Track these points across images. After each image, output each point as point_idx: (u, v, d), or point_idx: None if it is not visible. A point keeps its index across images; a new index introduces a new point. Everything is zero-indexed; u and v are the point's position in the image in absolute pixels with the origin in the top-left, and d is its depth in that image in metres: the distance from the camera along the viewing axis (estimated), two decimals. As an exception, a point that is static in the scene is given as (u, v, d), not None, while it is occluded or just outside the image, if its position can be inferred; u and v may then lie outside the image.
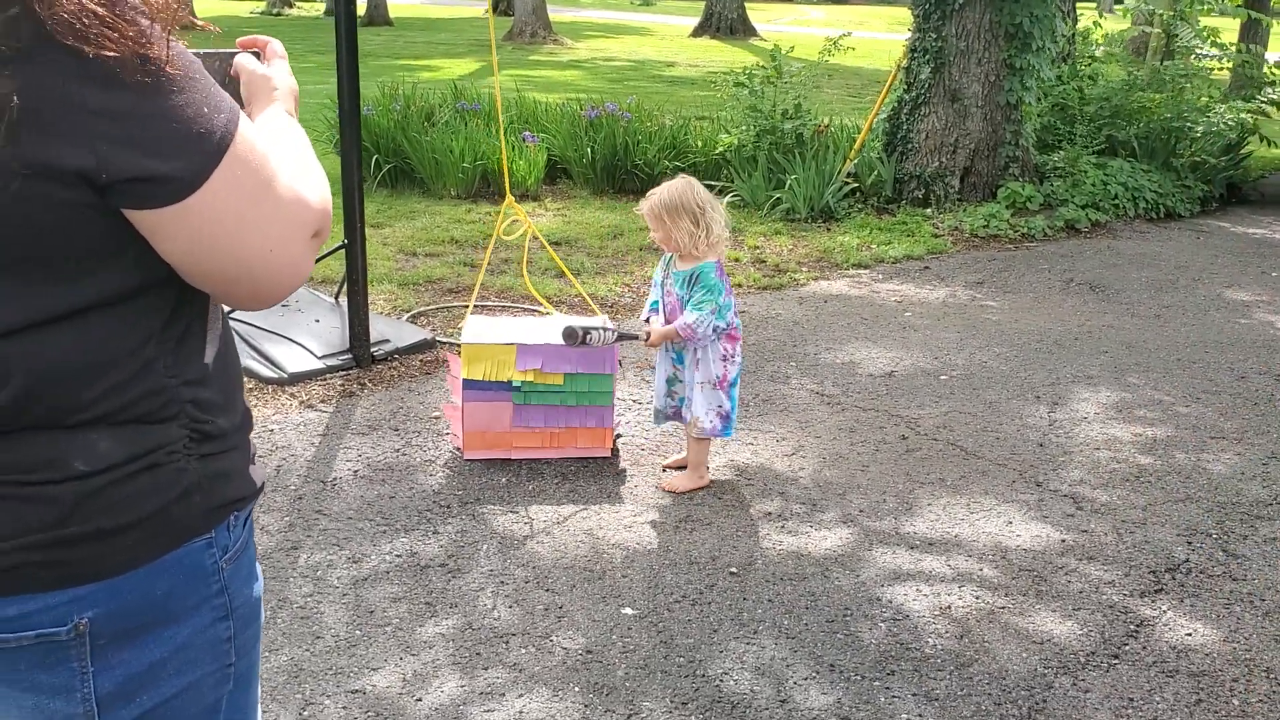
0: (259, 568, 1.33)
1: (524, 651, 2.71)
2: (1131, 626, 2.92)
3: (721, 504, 3.48)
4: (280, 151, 1.18)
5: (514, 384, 3.52)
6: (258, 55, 1.38)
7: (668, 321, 3.42)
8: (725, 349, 3.44)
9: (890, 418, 4.18)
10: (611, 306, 5.50)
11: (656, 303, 3.52)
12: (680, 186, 3.30)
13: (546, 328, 3.74)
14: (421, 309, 5.27)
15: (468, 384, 3.54)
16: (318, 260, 4.88)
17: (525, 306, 5.19)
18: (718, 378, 3.45)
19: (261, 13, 26.95)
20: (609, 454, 3.69)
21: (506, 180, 4.49)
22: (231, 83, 1.34)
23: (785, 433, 4.02)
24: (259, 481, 1.29)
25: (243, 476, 1.25)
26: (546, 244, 4.46)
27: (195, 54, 1.40)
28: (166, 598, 1.16)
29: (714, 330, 3.37)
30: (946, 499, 3.54)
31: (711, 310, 3.32)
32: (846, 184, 7.67)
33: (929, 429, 4.08)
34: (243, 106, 1.32)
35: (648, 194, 3.36)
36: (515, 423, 3.57)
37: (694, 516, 3.39)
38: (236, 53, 1.38)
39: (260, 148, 1.11)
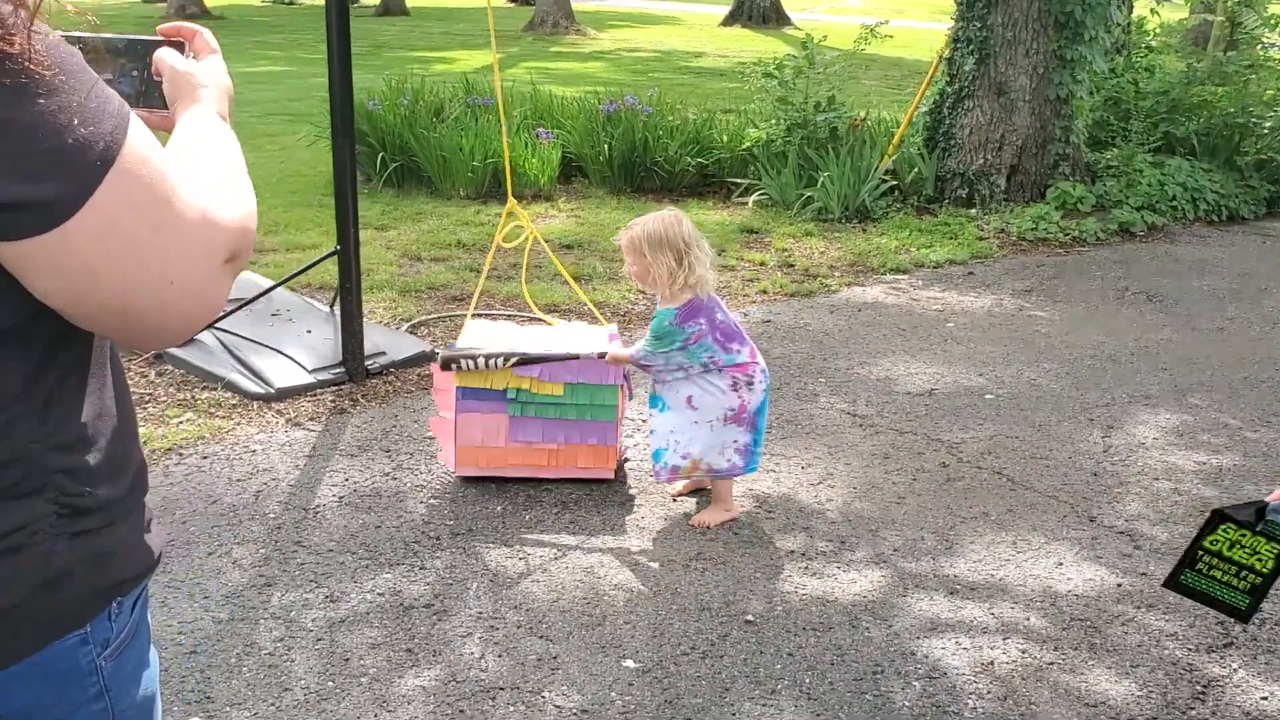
0: (154, 653, 1.16)
1: (512, 709, 2.55)
2: (1198, 687, 2.73)
3: (738, 540, 3.36)
4: (188, 161, 1.05)
5: (508, 394, 3.48)
6: (182, 48, 1.23)
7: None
8: (734, 377, 3.30)
9: (929, 442, 4.09)
10: (624, 316, 5.41)
11: None
12: (668, 219, 3.24)
13: (550, 337, 3.73)
14: (422, 318, 5.23)
15: (463, 393, 3.51)
16: (310, 267, 5.00)
17: (530, 316, 5.12)
18: (731, 410, 3.30)
19: (274, 2, 27.13)
20: (613, 476, 3.62)
21: (509, 182, 4.34)
22: (152, 82, 1.20)
23: (812, 458, 3.93)
24: (156, 551, 1.12)
25: (131, 553, 1.08)
26: (549, 249, 4.34)
27: (103, 40, 1.23)
28: (27, 712, 0.99)
29: (680, 368, 3.28)
30: (991, 536, 3.44)
31: (661, 353, 3.26)
32: (884, 182, 7.60)
33: (972, 455, 3.99)
34: (166, 108, 1.18)
35: (629, 224, 3.29)
36: (512, 437, 3.53)
37: (706, 554, 3.27)
38: (156, 43, 1.22)
39: (156, 159, 0.97)
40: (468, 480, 3.64)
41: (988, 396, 4.54)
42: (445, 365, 3.48)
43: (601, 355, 3.45)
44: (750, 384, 3.32)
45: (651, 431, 3.42)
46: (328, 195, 6.56)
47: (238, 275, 1.09)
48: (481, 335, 3.70)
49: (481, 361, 3.46)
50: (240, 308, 4.57)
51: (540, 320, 5.03)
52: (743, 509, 3.53)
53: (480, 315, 5.17)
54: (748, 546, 3.32)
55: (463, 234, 6.78)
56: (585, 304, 5.13)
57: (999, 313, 5.69)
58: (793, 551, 3.30)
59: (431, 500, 3.52)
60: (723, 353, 3.28)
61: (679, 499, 3.58)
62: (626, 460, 3.81)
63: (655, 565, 3.20)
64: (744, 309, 5.62)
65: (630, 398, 3.78)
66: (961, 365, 4.89)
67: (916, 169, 7.73)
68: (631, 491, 3.63)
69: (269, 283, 5.00)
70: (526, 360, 3.48)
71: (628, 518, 3.46)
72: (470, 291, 5.53)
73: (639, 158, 8.02)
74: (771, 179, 7.71)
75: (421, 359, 4.64)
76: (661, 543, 3.32)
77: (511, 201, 4.15)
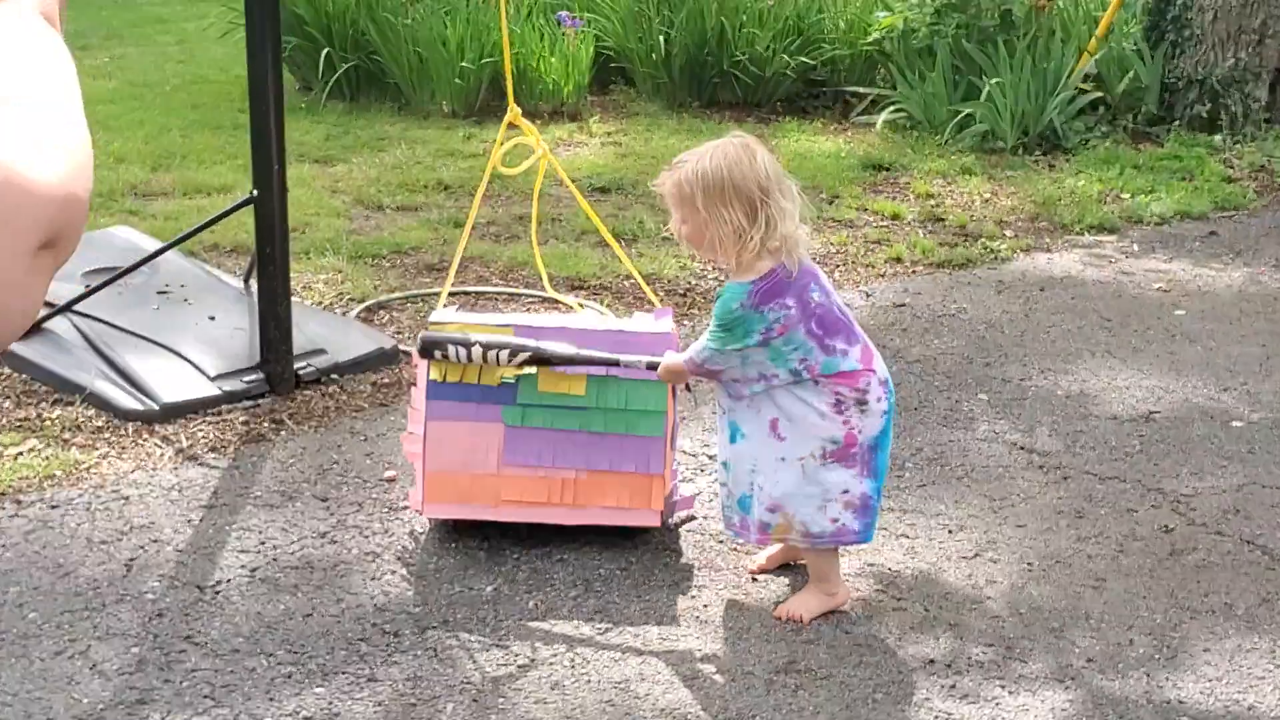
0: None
1: None
2: None
3: (849, 641, 3.36)
4: None
5: (505, 383, 3.59)
6: None
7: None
8: (838, 393, 3.28)
9: (1144, 493, 4.08)
10: (684, 295, 5.42)
11: None
12: (733, 151, 3.24)
13: (577, 329, 3.75)
14: (382, 299, 5.23)
15: (434, 389, 3.59)
16: (214, 221, 5.04)
17: (542, 295, 5.14)
18: (832, 443, 3.29)
19: None
20: (659, 523, 3.64)
21: (510, 86, 4.32)
22: None
23: (964, 518, 3.91)
24: None
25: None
26: (571, 184, 4.36)
27: None
28: None
29: (757, 373, 3.30)
30: (1236, 640, 3.40)
31: (735, 351, 3.29)
32: (1082, 93, 7.55)
33: (1209, 515, 3.96)
34: None
35: (675, 161, 3.31)
36: (507, 458, 3.59)
37: (801, 663, 3.27)
38: None
39: None
40: (445, 542, 3.65)
41: (1235, 424, 4.52)
42: (425, 352, 3.56)
43: (653, 366, 3.47)
44: (863, 404, 3.30)
45: (724, 465, 3.43)
46: (246, 112, 6.58)
47: (60, 266, 1.10)
48: (471, 312, 3.86)
49: (477, 352, 3.52)
50: (110, 281, 4.59)
51: (556, 303, 5.05)
52: (856, 594, 3.50)
53: (461, 294, 5.20)
54: (864, 653, 3.30)
55: (446, 170, 6.80)
56: (631, 274, 5.11)
57: (1255, 294, 5.65)
58: (933, 661, 3.28)
59: (389, 574, 3.51)
60: (820, 353, 3.27)
61: (760, 577, 3.56)
62: (680, 513, 3.81)
63: (722, 680, 3.18)
64: (865, 286, 5.60)
65: (685, 394, 3.79)
66: (1196, 375, 4.87)
67: (1131, 74, 7.67)
68: (688, 561, 3.62)
69: (156, 243, 5.03)
70: (542, 359, 3.52)
71: (682, 602, 3.45)
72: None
73: (711, 56, 8.00)
74: (911, 88, 7.68)
75: (379, 359, 4.61)
76: (734, 645, 3.31)
77: (514, 109, 4.15)
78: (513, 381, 3.58)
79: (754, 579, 3.56)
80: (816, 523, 3.33)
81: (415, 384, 3.75)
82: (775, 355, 3.26)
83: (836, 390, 3.29)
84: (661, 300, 5.05)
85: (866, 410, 3.31)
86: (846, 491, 3.32)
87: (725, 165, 3.21)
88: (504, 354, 3.51)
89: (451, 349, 3.54)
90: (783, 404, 3.31)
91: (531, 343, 3.54)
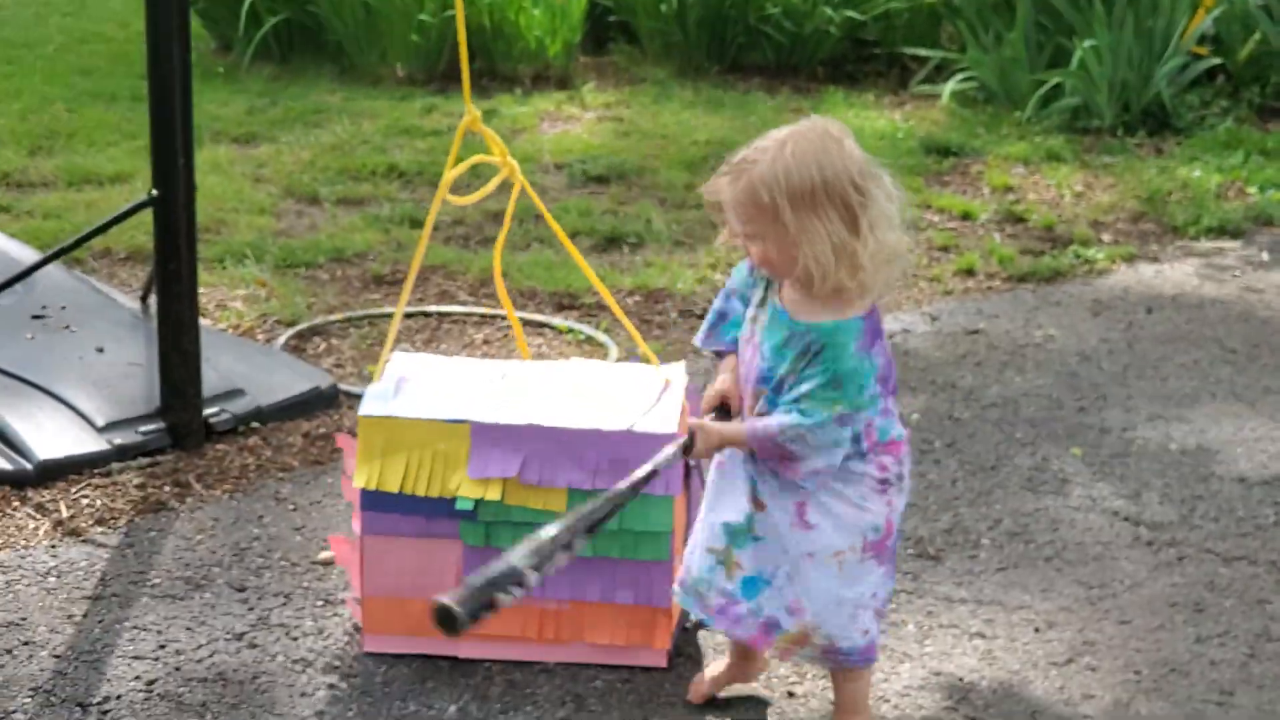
0: None
1: None
2: None
3: None
4: None
5: (467, 507, 3.56)
6: None
7: (743, 401, 3.35)
8: (884, 466, 3.26)
9: None
10: (701, 316, 5.32)
11: (734, 335, 3.39)
12: (817, 143, 3.15)
13: (554, 380, 3.77)
14: (317, 322, 5.25)
15: (369, 500, 3.59)
16: (109, 225, 5.00)
17: (521, 318, 5.10)
18: (875, 532, 3.28)
19: None
20: (666, 664, 3.65)
21: (465, 67, 4.20)
22: None
23: (1054, 610, 3.89)
24: None
25: None
26: (545, 211, 4.30)
27: None
28: None
29: (843, 454, 3.21)
30: None
31: (839, 417, 3.18)
32: (1197, 58, 7.62)
33: None
34: None
35: (738, 154, 3.20)
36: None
37: None
38: None
39: None
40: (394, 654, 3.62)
41: (1404, 488, 4.51)
42: (472, 617, 2.97)
43: (688, 449, 3.26)
44: (901, 479, 3.28)
45: (724, 528, 3.37)
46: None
47: None
48: (419, 383, 3.72)
49: (534, 580, 3.02)
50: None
51: (543, 329, 5.00)
52: (921, 713, 3.48)
53: (420, 315, 5.22)
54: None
55: (400, 152, 6.83)
56: (633, 291, 5.08)
57: None
58: (1019, 805, 3.27)
59: (324, 689, 3.47)
60: (880, 415, 3.24)
61: (801, 692, 3.54)
62: (690, 626, 3.80)
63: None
64: (929, 307, 5.61)
65: (694, 500, 3.72)
66: None
67: (1257, 35, 7.72)
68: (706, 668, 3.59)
69: (31, 253, 5.01)
70: (596, 524, 3.16)
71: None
72: (409, 266, 5.48)
73: (735, 8, 8.04)
74: (985, 51, 7.74)
75: (313, 403, 4.64)
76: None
77: (472, 112, 4.05)
78: (470, 503, 3.55)
79: (790, 695, 3.54)
80: (847, 637, 3.29)
81: (345, 465, 3.73)
82: (857, 420, 3.22)
83: (883, 463, 3.27)
84: (675, 322, 5.02)
85: (903, 486, 3.30)
86: (876, 595, 3.31)
87: (814, 160, 3.14)
88: (562, 558, 3.13)
89: (502, 598, 3.01)
90: (823, 492, 3.28)
91: (574, 519, 3.17)
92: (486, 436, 3.55)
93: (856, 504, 3.25)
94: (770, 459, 3.23)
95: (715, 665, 3.58)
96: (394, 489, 3.54)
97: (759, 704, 3.53)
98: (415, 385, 3.70)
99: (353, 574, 3.68)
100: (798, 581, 3.30)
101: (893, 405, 3.29)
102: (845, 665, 3.33)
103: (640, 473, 3.31)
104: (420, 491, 3.55)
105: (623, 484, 3.29)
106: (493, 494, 3.53)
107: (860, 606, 3.28)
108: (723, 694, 3.54)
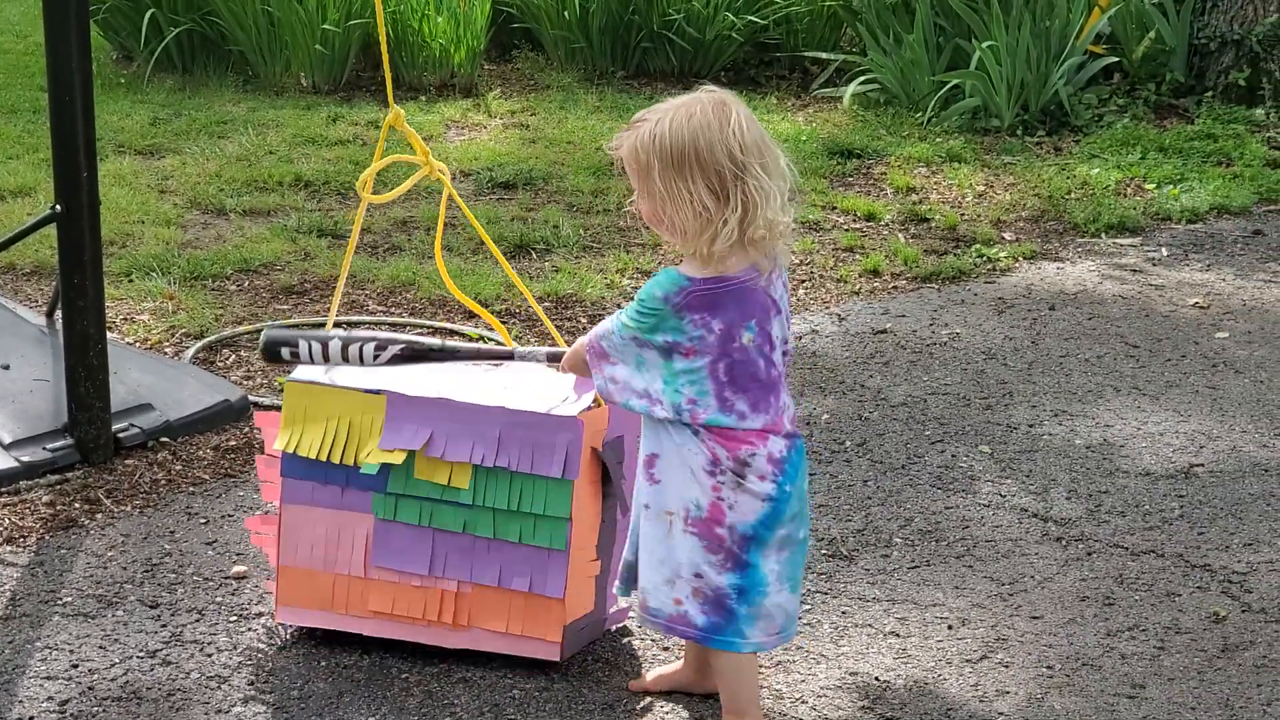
0: None
1: None
2: None
3: None
4: None
5: (371, 472, 3.59)
6: None
7: None
8: (715, 453, 3.29)
9: (1188, 571, 4.10)
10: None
11: None
12: (707, 109, 3.22)
13: (472, 378, 3.75)
14: (225, 334, 5.23)
15: (290, 465, 3.64)
16: (10, 242, 4.96)
17: (432, 325, 5.18)
18: (695, 509, 3.31)
19: None
20: (558, 658, 3.62)
21: (387, 63, 4.22)
22: None
23: (966, 608, 3.91)
24: None
25: None
26: (465, 208, 4.30)
27: None
28: None
29: (642, 388, 3.33)
30: None
31: (633, 338, 3.32)
32: (1094, 58, 7.67)
33: (1269, 598, 3.98)
34: None
35: (636, 117, 3.28)
36: (376, 558, 3.65)
37: None
38: None
39: None
40: (312, 659, 3.61)
41: (1300, 479, 4.48)
42: (269, 352, 3.63)
43: (555, 358, 3.57)
44: (740, 477, 3.28)
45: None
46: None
47: None
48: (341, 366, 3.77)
49: (335, 348, 3.58)
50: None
51: (451, 334, 5.00)
52: (838, 713, 3.47)
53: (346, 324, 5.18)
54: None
55: (306, 162, 6.77)
56: (544, 295, 5.09)
57: (1317, 310, 5.71)
58: (936, 802, 3.20)
59: (240, 705, 3.45)
60: (714, 402, 3.27)
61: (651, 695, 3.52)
62: (614, 626, 3.79)
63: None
64: (837, 307, 5.62)
65: (624, 511, 3.73)
66: (1246, 416, 4.93)
67: (1152, 33, 7.74)
68: (627, 674, 3.61)
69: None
70: (418, 353, 3.54)
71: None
72: (319, 278, 5.47)
73: (638, 14, 8.05)
74: (885, 54, 7.75)
75: (223, 416, 4.63)
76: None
77: (395, 110, 4.05)
78: (375, 468, 3.60)
79: (711, 700, 3.50)
80: (656, 595, 3.34)
81: (266, 442, 3.73)
82: (668, 377, 3.27)
83: (714, 449, 3.29)
84: (585, 327, 5.00)
85: (743, 486, 3.29)
86: (699, 576, 3.31)
87: (690, 127, 3.20)
88: (369, 348, 3.54)
89: (304, 345, 3.56)
90: (664, 442, 3.32)
91: (404, 336, 3.59)
92: (401, 408, 3.59)
93: (686, 476, 3.32)
94: (594, 361, 3.38)
95: (668, 665, 3.60)
96: (311, 454, 3.58)
97: (684, 707, 3.51)
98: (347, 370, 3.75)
99: (269, 548, 3.69)
100: (639, 531, 3.42)
101: (748, 412, 3.30)
102: (661, 629, 3.43)
103: (498, 349, 3.65)
104: (335, 459, 3.58)
105: (474, 345, 3.60)
106: (396, 459, 3.55)
107: (677, 575, 3.33)
108: (658, 693, 3.55)
